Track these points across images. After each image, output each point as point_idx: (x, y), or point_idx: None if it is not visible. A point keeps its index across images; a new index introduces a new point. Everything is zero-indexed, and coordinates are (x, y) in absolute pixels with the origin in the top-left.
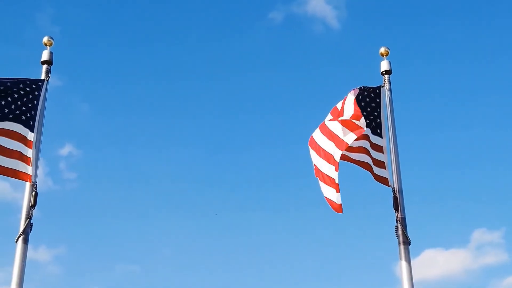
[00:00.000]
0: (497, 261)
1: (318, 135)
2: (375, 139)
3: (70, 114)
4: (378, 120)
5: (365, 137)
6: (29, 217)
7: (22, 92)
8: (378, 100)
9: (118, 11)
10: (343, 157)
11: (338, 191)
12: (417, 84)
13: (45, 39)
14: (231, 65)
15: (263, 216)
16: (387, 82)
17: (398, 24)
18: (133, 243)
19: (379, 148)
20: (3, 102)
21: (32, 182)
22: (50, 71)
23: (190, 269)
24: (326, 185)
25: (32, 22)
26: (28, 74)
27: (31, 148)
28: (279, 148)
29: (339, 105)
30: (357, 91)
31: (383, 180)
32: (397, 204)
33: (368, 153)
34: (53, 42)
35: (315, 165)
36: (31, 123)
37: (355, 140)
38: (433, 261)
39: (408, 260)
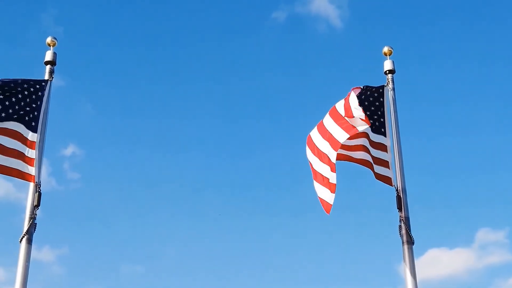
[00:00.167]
0: (501, 260)
1: (315, 134)
2: (377, 137)
3: (73, 114)
4: (382, 120)
5: (364, 135)
6: (33, 217)
7: (26, 93)
8: (381, 99)
9: (121, 11)
10: (343, 157)
11: (333, 191)
12: (420, 84)
13: (48, 40)
14: (234, 65)
15: (267, 218)
16: (390, 81)
17: (402, 23)
18: (137, 243)
19: (382, 147)
20: (7, 103)
21: (36, 182)
22: (53, 72)
23: (194, 270)
24: (320, 185)
25: (36, 22)
26: (31, 74)
27: (34, 149)
28: (280, 149)
29: (338, 105)
30: (358, 90)
31: (386, 179)
32: (400, 203)
33: (368, 151)
34: (56, 42)
35: (310, 163)
36: (34, 123)
37: (354, 138)
38: (437, 261)
39: (411, 260)
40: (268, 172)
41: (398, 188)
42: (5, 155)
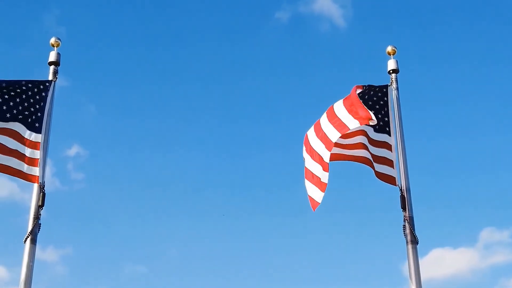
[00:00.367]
0: (506, 260)
1: (311, 133)
2: (380, 136)
3: (77, 115)
4: (386, 119)
5: (363, 132)
6: (37, 217)
7: (30, 93)
8: (385, 98)
9: (124, 12)
10: (342, 157)
11: (323, 190)
12: (424, 83)
13: (52, 40)
14: (237, 65)
15: (270, 218)
16: (394, 81)
17: (405, 22)
18: (140, 243)
19: (385, 146)
20: (11, 103)
21: (40, 182)
22: (57, 72)
23: (197, 270)
24: (310, 183)
25: (39, 22)
26: (34, 74)
27: (34, 149)
28: (281, 149)
29: (337, 104)
30: (360, 89)
31: (390, 179)
32: (404, 203)
33: (367, 149)
34: (60, 43)
35: (304, 160)
36: (38, 124)
37: (351, 137)
38: (441, 261)
39: (416, 260)
40: (269, 172)
41: (402, 188)
42: (14, 157)
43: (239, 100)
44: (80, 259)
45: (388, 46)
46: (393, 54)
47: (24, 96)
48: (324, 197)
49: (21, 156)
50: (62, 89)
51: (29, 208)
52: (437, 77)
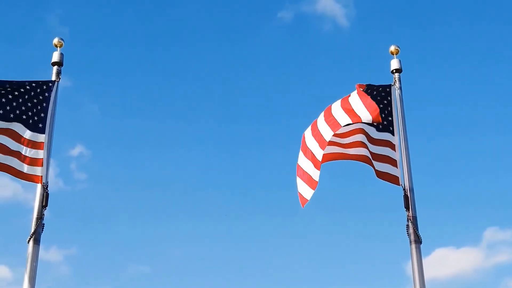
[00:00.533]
0: (509, 259)
1: (308, 132)
2: (383, 135)
3: (80, 115)
4: (390, 118)
5: (361, 131)
6: (40, 217)
7: (33, 94)
8: (389, 98)
9: (126, 12)
10: (340, 156)
11: (313, 188)
12: (427, 83)
13: (55, 41)
14: (240, 65)
15: (273, 218)
16: (397, 80)
17: (408, 22)
18: (143, 243)
19: (388, 145)
20: (14, 104)
21: (43, 183)
22: (60, 73)
23: (201, 270)
24: (301, 180)
25: (42, 23)
26: (37, 74)
27: (42, 149)
28: (281, 149)
29: (335, 104)
30: (362, 88)
31: (393, 178)
32: (408, 202)
33: (366, 147)
34: (63, 43)
35: (299, 158)
36: (42, 124)
37: (350, 136)
38: (444, 260)
39: (419, 259)
40: (269, 172)
41: (406, 188)
42: (12, 156)
43: (240, 100)
44: (84, 259)
45: (391, 45)
46: (396, 54)
47: (27, 97)
48: (327, 197)
49: (21, 157)
50: (65, 89)
51: (32, 208)
52: (441, 76)
